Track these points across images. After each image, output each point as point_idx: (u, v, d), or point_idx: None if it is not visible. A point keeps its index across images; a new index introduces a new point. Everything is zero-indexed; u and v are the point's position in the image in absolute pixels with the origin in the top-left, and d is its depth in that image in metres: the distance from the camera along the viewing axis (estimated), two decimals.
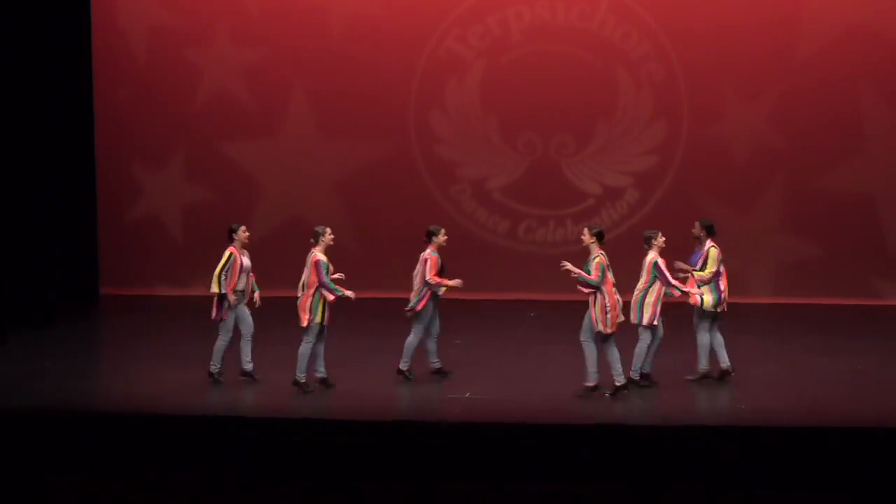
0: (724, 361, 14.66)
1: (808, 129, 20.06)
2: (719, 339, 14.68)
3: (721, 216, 20.17)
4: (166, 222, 20.88)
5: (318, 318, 14.07)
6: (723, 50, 20.09)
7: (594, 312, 13.63)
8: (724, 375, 14.65)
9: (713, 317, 14.59)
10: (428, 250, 14.44)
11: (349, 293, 14.01)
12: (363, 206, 20.42)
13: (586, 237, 13.84)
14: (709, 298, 14.48)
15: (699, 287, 14.31)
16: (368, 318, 16.79)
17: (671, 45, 20.20)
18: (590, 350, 13.80)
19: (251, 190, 20.74)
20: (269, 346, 15.39)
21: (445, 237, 14.45)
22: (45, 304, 18.35)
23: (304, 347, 14.18)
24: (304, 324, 14.17)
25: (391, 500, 11.79)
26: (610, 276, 13.66)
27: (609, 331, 13.66)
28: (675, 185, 20.36)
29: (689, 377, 14.73)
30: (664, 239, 14.23)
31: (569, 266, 13.66)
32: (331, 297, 14.04)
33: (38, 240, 18.32)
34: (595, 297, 13.60)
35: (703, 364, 14.68)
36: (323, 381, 14.30)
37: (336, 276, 14.24)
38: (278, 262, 20.54)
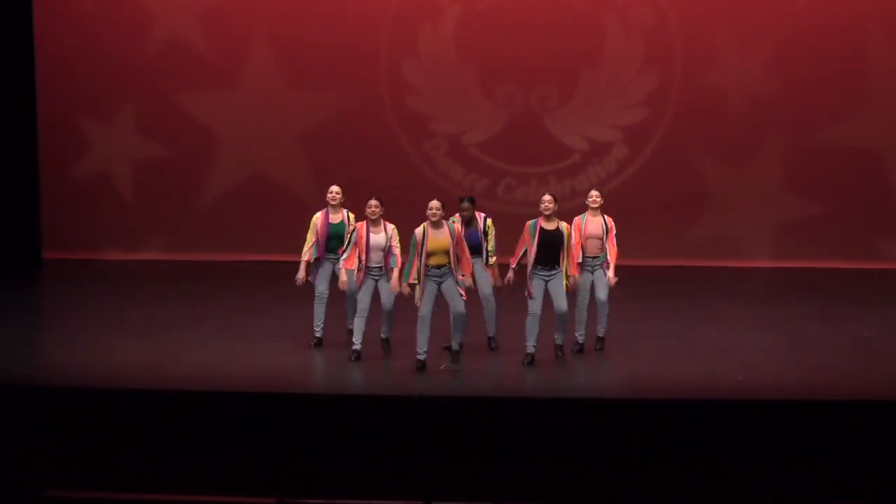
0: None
1: (811, 77, 20.03)
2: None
3: (716, 173, 20.29)
4: (115, 180, 20.77)
5: None
6: None
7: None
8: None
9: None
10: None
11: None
12: (329, 162, 20.32)
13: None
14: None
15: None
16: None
17: None
18: None
19: (208, 145, 20.66)
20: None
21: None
22: None
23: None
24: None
25: (370, 477, 11.85)
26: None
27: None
28: (667, 139, 20.33)
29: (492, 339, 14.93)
30: None
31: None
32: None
33: None
34: None
35: (492, 330, 14.82)
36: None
37: None
38: (238, 223, 20.55)
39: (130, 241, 20.67)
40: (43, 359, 15.20)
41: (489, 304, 14.69)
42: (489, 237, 14.61)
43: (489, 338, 14.84)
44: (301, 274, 14.64)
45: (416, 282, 13.78)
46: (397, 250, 14.04)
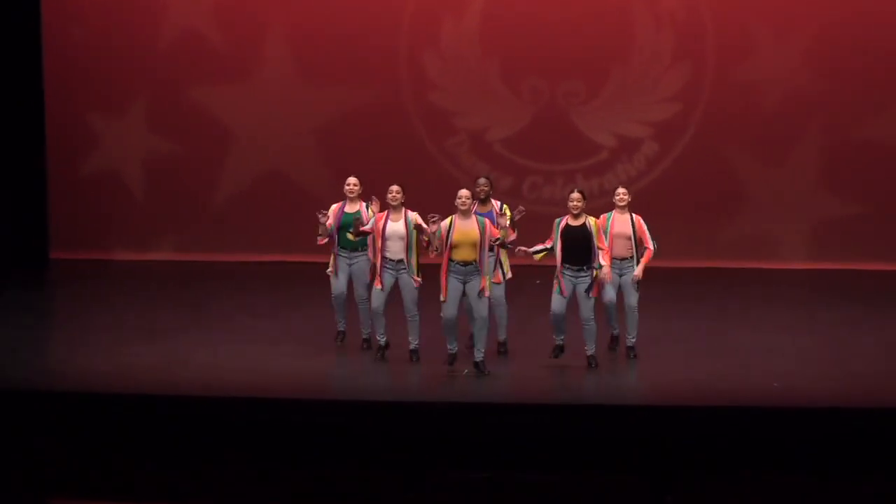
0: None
1: (848, 71, 19.90)
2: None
3: (750, 171, 20.20)
4: (125, 178, 20.77)
5: None
6: None
7: None
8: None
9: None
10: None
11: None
12: (347, 160, 20.21)
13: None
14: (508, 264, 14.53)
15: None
16: None
17: None
18: None
19: (222, 141, 20.64)
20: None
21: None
22: None
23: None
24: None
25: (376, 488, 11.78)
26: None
27: None
28: (699, 136, 20.24)
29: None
30: None
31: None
32: None
33: None
34: None
35: (502, 335, 14.73)
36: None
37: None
38: (252, 222, 20.51)
39: (140, 241, 20.66)
40: (49, 361, 15.19)
41: (500, 309, 14.57)
42: (506, 214, 14.38)
43: (499, 342, 14.74)
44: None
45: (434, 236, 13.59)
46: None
